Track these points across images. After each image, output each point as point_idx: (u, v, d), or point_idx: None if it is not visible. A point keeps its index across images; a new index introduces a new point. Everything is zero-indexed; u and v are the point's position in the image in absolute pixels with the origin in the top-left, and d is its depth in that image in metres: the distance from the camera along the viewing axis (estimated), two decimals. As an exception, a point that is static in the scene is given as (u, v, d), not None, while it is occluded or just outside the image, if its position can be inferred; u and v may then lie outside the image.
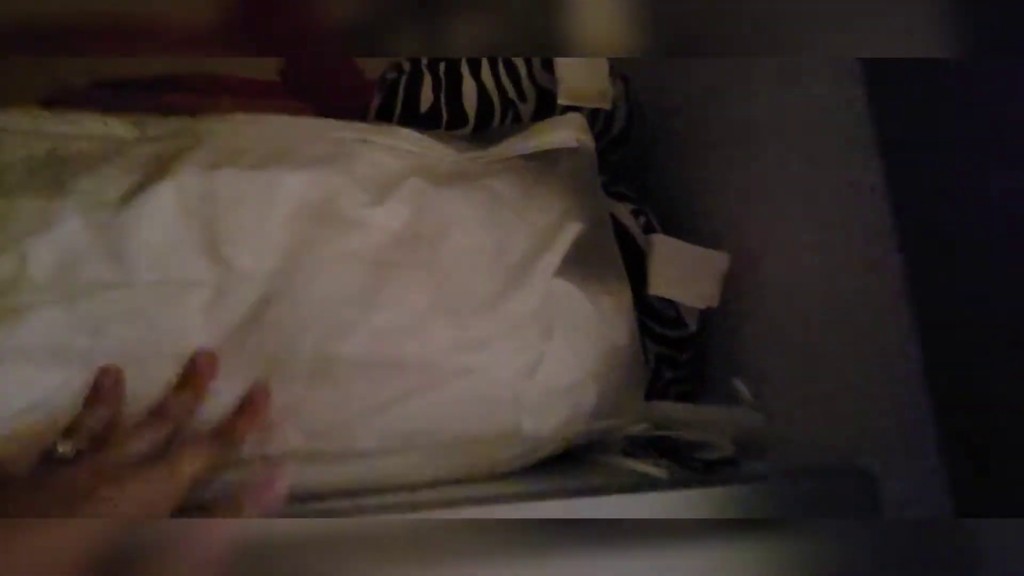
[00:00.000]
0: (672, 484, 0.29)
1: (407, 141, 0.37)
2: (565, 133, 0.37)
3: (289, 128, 0.35)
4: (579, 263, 0.36)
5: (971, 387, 0.28)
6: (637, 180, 0.52)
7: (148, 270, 0.29)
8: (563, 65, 0.42)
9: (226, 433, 0.28)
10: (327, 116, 0.46)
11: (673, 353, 0.43)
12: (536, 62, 0.45)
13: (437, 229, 0.34)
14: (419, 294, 0.32)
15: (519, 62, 0.45)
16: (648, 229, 0.46)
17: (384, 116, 0.46)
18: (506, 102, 0.46)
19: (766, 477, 0.30)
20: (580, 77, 0.42)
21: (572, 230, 0.35)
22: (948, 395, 0.28)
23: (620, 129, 0.50)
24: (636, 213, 0.46)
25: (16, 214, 0.28)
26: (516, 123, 0.47)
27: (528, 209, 0.36)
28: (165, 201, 0.30)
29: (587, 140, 0.38)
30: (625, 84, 0.49)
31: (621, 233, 0.44)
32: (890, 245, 0.30)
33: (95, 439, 0.26)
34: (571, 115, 0.38)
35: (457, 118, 0.46)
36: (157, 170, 0.31)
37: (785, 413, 0.35)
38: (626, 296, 0.37)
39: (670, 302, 0.42)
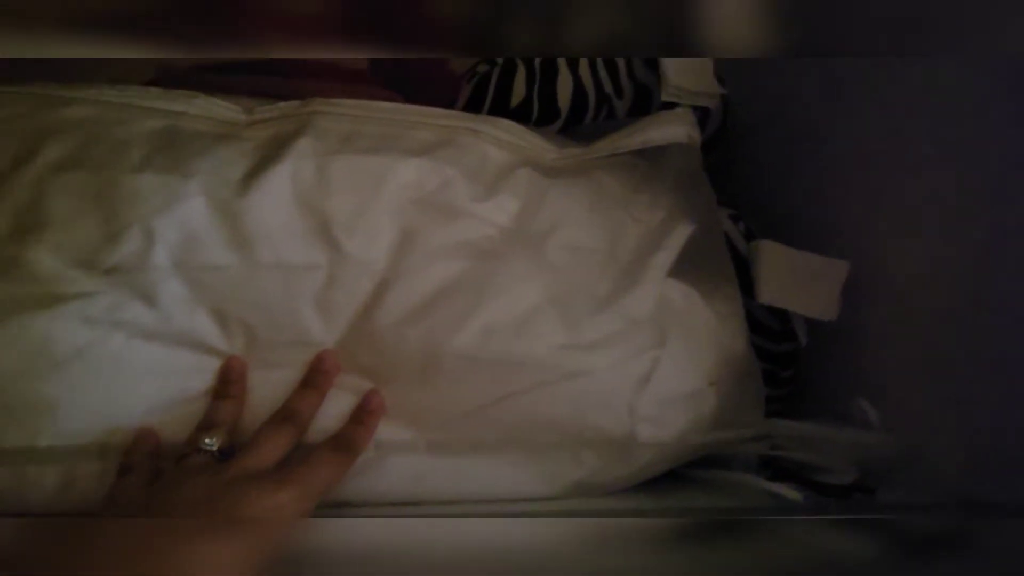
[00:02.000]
0: (811, 509, 0.26)
1: (510, 133, 0.35)
2: (678, 128, 0.35)
3: (396, 114, 0.34)
4: (691, 265, 0.33)
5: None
6: (729, 185, 0.50)
7: (266, 253, 0.28)
8: (668, 61, 0.40)
9: (347, 444, 0.27)
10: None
11: (775, 369, 0.41)
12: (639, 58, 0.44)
13: (547, 223, 0.32)
14: (529, 290, 0.31)
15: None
16: (749, 235, 0.43)
17: (473, 109, 0.45)
18: (602, 97, 0.44)
19: (914, 508, 0.27)
20: (686, 73, 0.40)
21: (685, 230, 0.33)
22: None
23: (714, 130, 0.48)
24: (735, 218, 0.44)
25: (143, 191, 0.27)
26: (609, 119, 0.45)
27: (636, 205, 0.34)
28: (281, 185, 0.29)
29: (696, 137, 0.36)
30: (720, 84, 0.47)
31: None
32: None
33: (229, 435, 0.26)
34: (681, 110, 0.36)
35: (549, 113, 0.44)
36: (272, 154, 0.30)
37: (915, 439, 0.32)
38: (738, 301, 0.35)
39: (776, 313, 0.39)
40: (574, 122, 0.44)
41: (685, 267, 0.33)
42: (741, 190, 0.51)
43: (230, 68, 0.40)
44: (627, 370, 0.30)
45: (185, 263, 0.28)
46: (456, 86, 0.46)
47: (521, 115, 0.44)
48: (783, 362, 0.41)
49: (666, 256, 0.32)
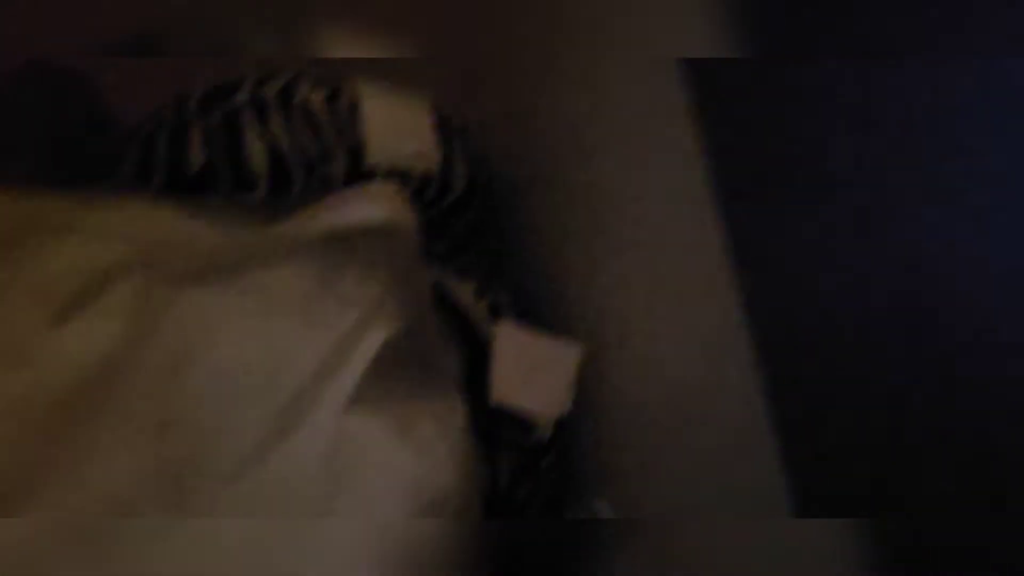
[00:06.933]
0: None
1: (129, 221, 0.26)
2: (367, 209, 0.28)
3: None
4: (388, 379, 0.27)
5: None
6: (488, 250, 0.45)
7: None
8: (374, 118, 0.34)
9: None
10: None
11: (530, 461, 0.36)
12: (345, 113, 0.37)
13: (175, 351, 0.23)
14: (133, 453, 0.22)
15: (322, 110, 0.36)
16: (495, 311, 0.39)
17: (143, 179, 0.35)
18: (306, 161, 0.36)
19: None
20: (395, 133, 0.34)
21: (375, 340, 0.26)
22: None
23: (462, 190, 0.42)
24: (480, 293, 0.39)
25: None
26: (325, 186, 0.38)
27: (319, 313, 0.27)
28: None
29: (403, 216, 0.30)
30: (463, 137, 0.42)
31: (461, 320, 0.37)
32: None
33: None
34: (379, 185, 0.30)
35: (243, 181, 0.36)
36: None
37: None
38: (457, 415, 0.29)
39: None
40: (279, 191, 0.36)
41: (380, 385, 0.26)
42: (505, 256, 0.47)
43: None
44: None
45: None
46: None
47: (207, 184, 0.35)
48: (538, 453, 0.37)
49: (343, 383, 0.25)
